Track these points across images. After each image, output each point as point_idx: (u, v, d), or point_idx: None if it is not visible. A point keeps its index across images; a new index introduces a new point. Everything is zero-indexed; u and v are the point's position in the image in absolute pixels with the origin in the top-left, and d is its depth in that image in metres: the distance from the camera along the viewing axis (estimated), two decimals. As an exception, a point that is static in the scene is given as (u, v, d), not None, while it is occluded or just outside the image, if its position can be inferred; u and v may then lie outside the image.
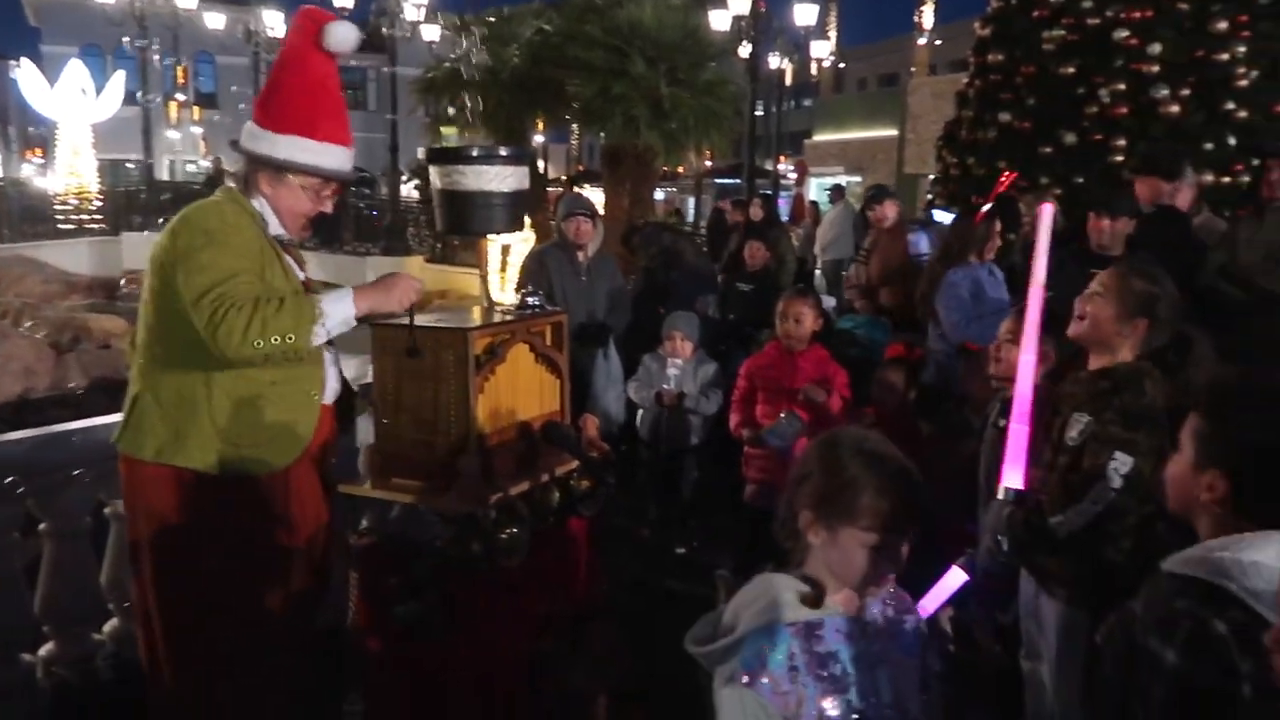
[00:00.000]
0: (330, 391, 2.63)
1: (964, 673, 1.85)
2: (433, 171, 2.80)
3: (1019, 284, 4.67)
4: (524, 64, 12.12)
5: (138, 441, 2.47)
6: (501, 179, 2.72)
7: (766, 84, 19.65)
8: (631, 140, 11.53)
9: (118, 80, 23.94)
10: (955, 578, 2.43)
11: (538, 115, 13.72)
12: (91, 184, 22.87)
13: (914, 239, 6.25)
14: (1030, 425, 2.38)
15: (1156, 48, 6.22)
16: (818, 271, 11.74)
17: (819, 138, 31.20)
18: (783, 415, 4.00)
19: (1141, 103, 6.22)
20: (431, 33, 17.17)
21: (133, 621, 2.77)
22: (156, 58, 27.15)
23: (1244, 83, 6.09)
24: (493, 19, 13.54)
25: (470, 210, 2.73)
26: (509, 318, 2.76)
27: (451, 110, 13.23)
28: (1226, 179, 5.90)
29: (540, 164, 20.40)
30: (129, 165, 29.99)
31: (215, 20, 25.52)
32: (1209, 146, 5.82)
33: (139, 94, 23.80)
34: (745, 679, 1.57)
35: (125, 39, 23.80)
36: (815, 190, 22.87)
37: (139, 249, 16.98)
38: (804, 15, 17.60)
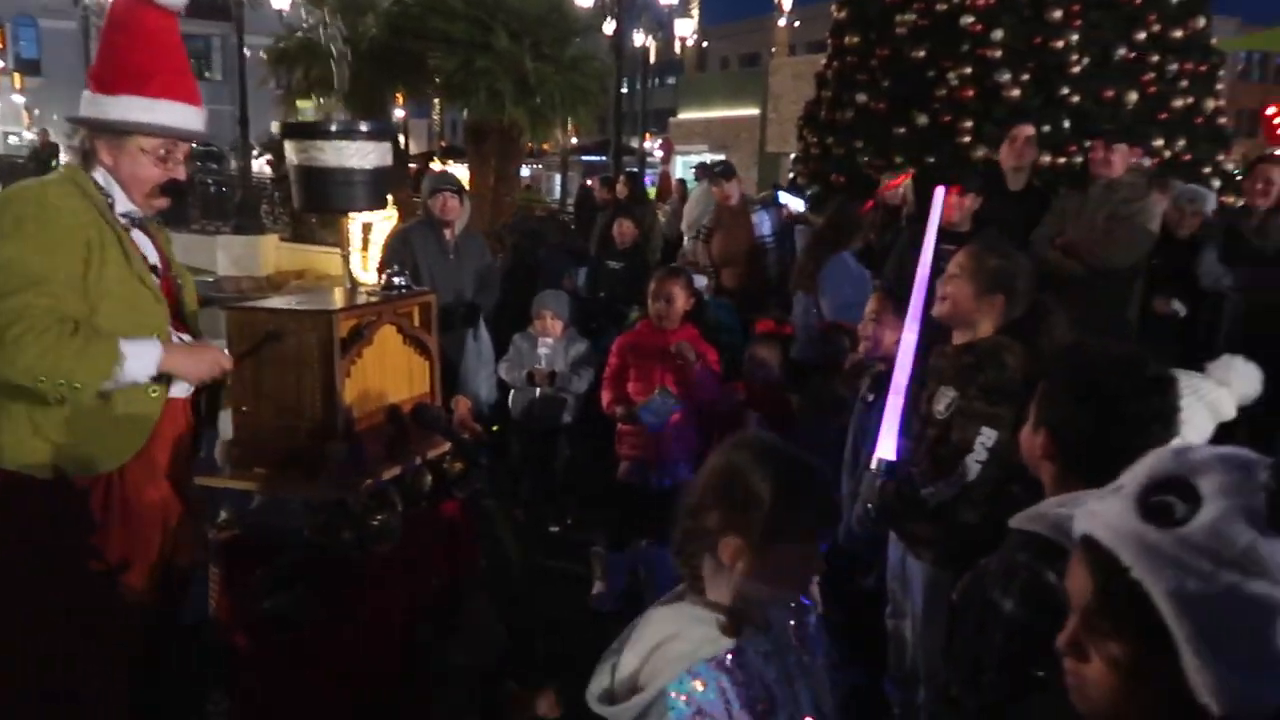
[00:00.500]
0: (182, 386, 2.45)
1: (835, 635, 1.91)
2: (289, 147, 2.69)
3: (873, 264, 4.89)
4: (382, 35, 11.69)
5: None
6: (363, 155, 2.64)
7: (631, 61, 19.69)
8: (496, 116, 11.33)
9: (-75, 43, 21.94)
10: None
11: (398, 89, 13.31)
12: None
13: (756, 219, 6.22)
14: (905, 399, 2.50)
15: (999, 34, 6.54)
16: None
17: (684, 115, 31.49)
18: (656, 392, 4.04)
19: (986, 86, 6.54)
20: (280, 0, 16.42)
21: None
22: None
23: (1077, 69, 6.48)
24: (348, -13, 13.01)
25: (330, 187, 2.65)
26: (375, 299, 2.69)
27: (306, 83, 12.69)
28: (1062, 159, 6.29)
29: (401, 139, 19.86)
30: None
31: (38, -20, 23.65)
32: (1046, 129, 6.17)
33: (-49, 58, 21.87)
34: None
35: (-66, -2, 21.74)
36: (681, 168, 23.11)
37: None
38: (667, -7, 17.72)
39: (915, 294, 2.61)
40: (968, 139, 6.43)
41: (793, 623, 1.65)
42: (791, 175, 8.22)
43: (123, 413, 2.33)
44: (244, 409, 2.51)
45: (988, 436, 2.48)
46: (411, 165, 14.89)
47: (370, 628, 2.49)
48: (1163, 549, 0.90)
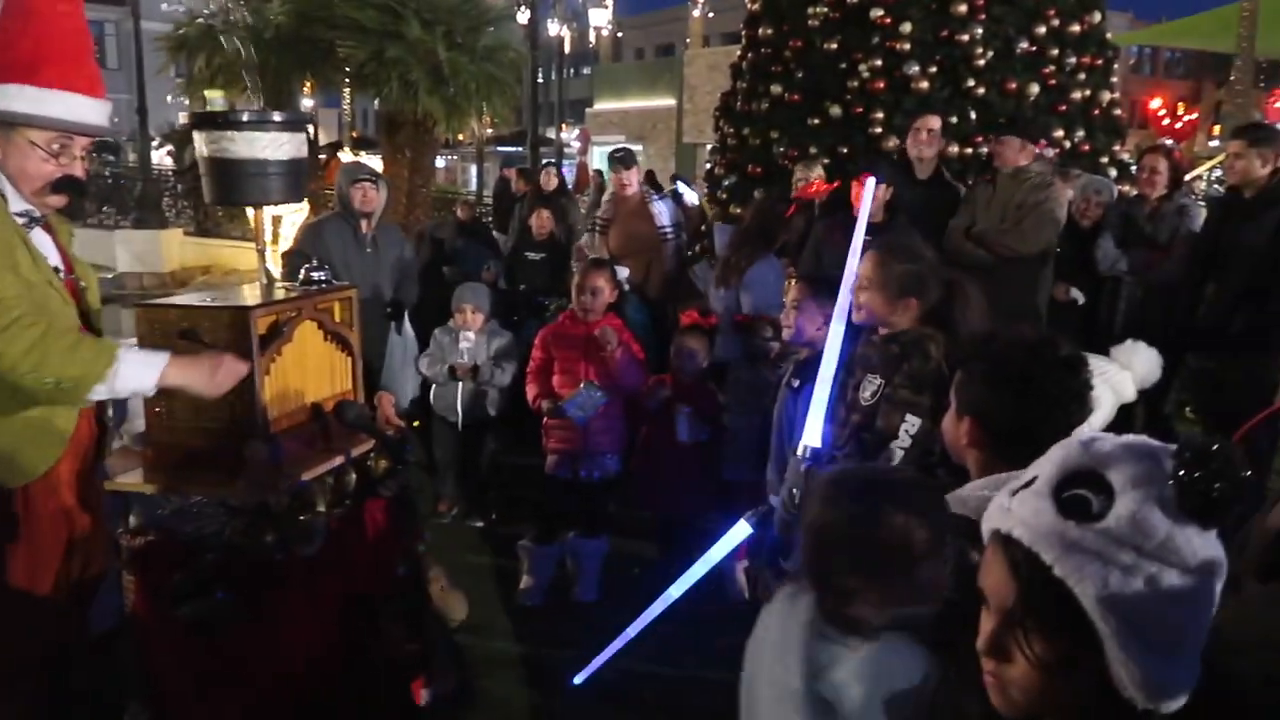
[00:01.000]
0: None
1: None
2: (198, 138, 2.60)
3: (788, 253, 4.97)
4: (290, 22, 11.37)
5: None
6: (277, 146, 2.57)
7: (546, 51, 19.54)
8: (410, 106, 11.12)
9: None
10: (741, 530, 2.57)
11: (306, 78, 12.98)
12: None
13: (655, 210, 6.06)
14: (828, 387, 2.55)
15: (907, 27, 6.69)
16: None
17: (600, 106, 31.42)
18: (581, 386, 4.03)
19: (896, 78, 6.68)
20: (180, -16, 15.77)
21: None
22: None
23: (981, 62, 6.68)
24: (251, -28, 12.61)
25: (242, 180, 2.58)
26: (294, 294, 2.62)
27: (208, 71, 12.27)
28: (969, 150, 6.48)
29: (310, 130, 19.35)
30: None
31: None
32: (954, 120, 6.34)
33: None
34: None
35: None
36: (599, 159, 23.07)
37: None
38: (581, -18, 17.63)
39: (844, 287, 2.66)
40: (879, 130, 6.56)
41: None
42: (709, 165, 8.26)
43: (40, 427, 2.23)
44: (157, 409, 2.43)
45: (911, 424, 2.56)
46: (321, 156, 14.54)
47: (294, 630, 2.43)
48: (1084, 545, 0.91)
